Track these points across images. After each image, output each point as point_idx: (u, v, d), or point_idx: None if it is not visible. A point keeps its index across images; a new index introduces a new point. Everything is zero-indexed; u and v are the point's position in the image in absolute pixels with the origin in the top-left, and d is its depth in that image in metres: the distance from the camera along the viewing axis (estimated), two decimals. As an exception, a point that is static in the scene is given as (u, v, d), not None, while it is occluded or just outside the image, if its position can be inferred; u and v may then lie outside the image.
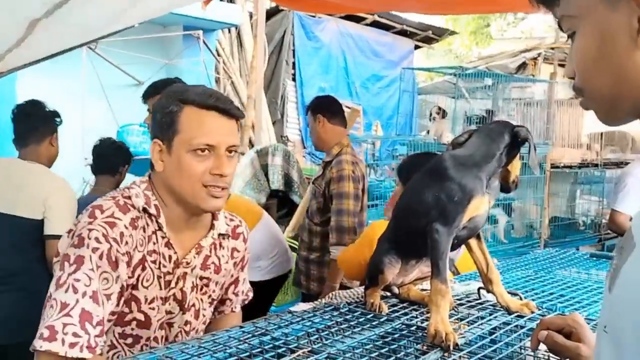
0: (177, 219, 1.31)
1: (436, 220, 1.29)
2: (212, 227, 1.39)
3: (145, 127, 4.01)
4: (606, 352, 0.67)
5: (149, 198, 1.30)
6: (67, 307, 1.13)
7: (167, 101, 1.29)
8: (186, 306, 1.37)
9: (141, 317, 1.29)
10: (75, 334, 1.12)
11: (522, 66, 9.11)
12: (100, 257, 1.18)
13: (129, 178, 3.05)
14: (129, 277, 1.25)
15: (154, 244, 1.28)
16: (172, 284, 1.33)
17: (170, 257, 1.31)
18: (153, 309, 1.30)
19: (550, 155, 5.23)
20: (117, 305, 1.24)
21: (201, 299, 1.42)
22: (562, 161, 5.60)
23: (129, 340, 1.31)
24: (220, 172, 1.26)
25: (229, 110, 1.29)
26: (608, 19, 0.66)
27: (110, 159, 2.96)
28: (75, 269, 1.16)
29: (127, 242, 1.23)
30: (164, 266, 1.30)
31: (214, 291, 1.45)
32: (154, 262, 1.28)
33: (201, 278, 1.39)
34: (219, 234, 1.42)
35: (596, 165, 5.79)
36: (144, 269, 1.27)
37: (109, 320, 1.23)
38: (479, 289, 1.62)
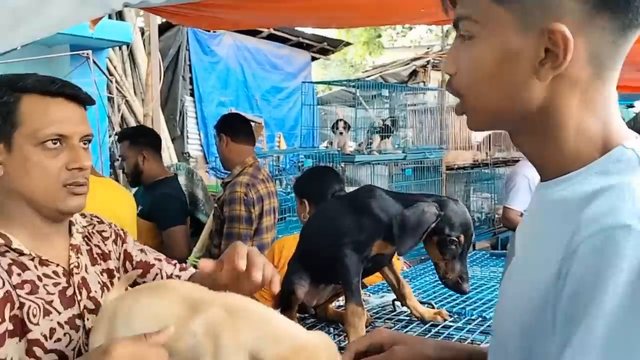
0: (37, 230, 1.10)
1: (347, 246, 1.31)
2: (70, 223, 1.20)
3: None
4: (498, 357, 0.72)
5: None
6: None
7: None
8: None
9: (54, 356, 1.05)
10: None
11: (414, 74, 9.60)
12: None
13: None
14: None
15: (20, 274, 1.05)
16: (78, 296, 1.13)
17: (55, 272, 1.11)
18: (59, 339, 1.07)
19: (445, 158, 5.52)
20: None
21: None
22: (455, 163, 5.92)
23: None
24: (79, 165, 1.08)
25: (78, 96, 1.12)
26: (516, 40, 0.65)
27: None
28: None
29: None
30: (56, 284, 1.09)
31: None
32: (30, 292, 1.05)
33: (102, 272, 1.21)
34: (83, 226, 1.23)
35: (487, 164, 6.18)
36: (19, 306, 1.02)
37: None
38: (393, 301, 1.67)
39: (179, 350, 0.89)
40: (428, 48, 12.09)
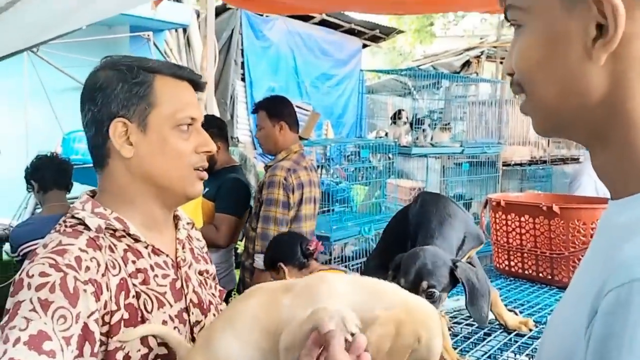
0: (152, 218, 1.09)
1: None
2: (175, 217, 1.19)
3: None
4: None
5: (104, 214, 1.03)
6: None
7: (130, 71, 1.03)
8: (205, 307, 1.14)
9: (164, 349, 1.02)
10: None
11: (466, 64, 9.34)
12: (52, 290, 0.89)
13: (77, 188, 2.87)
14: (111, 311, 0.95)
15: (134, 262, 1.03)
16: (185, 289, 1.10)
17: (165, 262, 1.09)
18: None
19: (503, 154, 5.36)
20: (82, 354, 0.90)
21: (212, 294, 1.21)
22: (512, 159, 5.75)
23: None
24: (208, 148, 1.09)
25: (200, 84, 1.12)
26: (563, 21, 0.57)
27: (62, 173, 2.77)
28: (8, 318, 0.87)
29: (88, 268, 0.94)
30: (165, 276, 1.07)
31: (213, 283, 1.27)
32: (143, 282, 1.02)
33: (200, 272, 1.20)
34: (187, 223, 1.22)
35: (545, 162, 5.98)
36: (134, 295, 1.00)
37: None
38: (472, 305, 1.60)
39: (274, 321, 0.87)
40: (481, 38, 11.74)
